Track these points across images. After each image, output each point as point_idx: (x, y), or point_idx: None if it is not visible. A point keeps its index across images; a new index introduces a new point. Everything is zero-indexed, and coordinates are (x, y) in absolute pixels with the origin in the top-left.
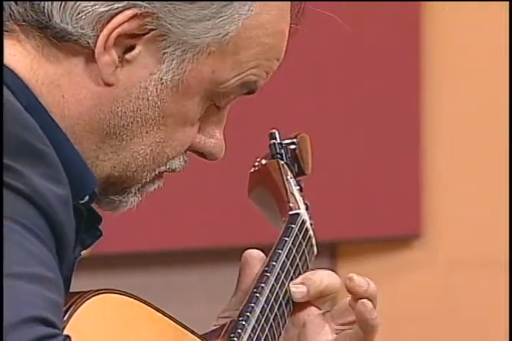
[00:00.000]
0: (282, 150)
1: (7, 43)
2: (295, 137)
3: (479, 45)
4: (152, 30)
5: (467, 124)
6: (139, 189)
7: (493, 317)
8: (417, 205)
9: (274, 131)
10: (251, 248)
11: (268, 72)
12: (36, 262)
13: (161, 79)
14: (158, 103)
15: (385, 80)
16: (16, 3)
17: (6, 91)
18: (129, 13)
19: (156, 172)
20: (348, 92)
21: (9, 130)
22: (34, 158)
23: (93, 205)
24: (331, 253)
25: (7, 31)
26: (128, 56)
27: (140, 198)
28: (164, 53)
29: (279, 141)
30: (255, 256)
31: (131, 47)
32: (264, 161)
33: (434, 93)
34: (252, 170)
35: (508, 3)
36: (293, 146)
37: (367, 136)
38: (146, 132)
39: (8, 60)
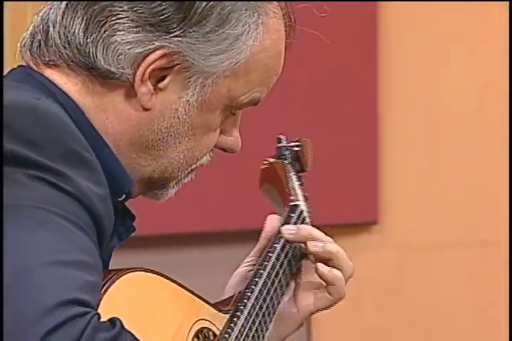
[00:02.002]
0: (286, 152)
1: (58, 74)
2: (298, 141)
3: (433, 42)
4: (178, 64)
5: (421, 118)
6: (175, 183)
7: (439, 293)
8: (374, 195)
9: (281, 136)
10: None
11: (269, 87)
12: (80, 250)
13: (188, 101)
14: (187, 119)
15: (344, 74)
16: (65, 47)
17: (59, 109)
18: (159, 52)
19: (189, 170)
20: (309, 86)
21: (61, 140)
22: (79, 164)
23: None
24: None
25: (57, 66)
26: (160, 85)
27: (177, 189)
28: (189, 81)
29: (284, 144)
30: (276, 219)
31: (163, 78)
32: (272, 160)
33: (389, 87)
34: (262, 167)
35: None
36: (296, 148)
37: (326, 129)
38: (179, 142)
39: (60, 86)
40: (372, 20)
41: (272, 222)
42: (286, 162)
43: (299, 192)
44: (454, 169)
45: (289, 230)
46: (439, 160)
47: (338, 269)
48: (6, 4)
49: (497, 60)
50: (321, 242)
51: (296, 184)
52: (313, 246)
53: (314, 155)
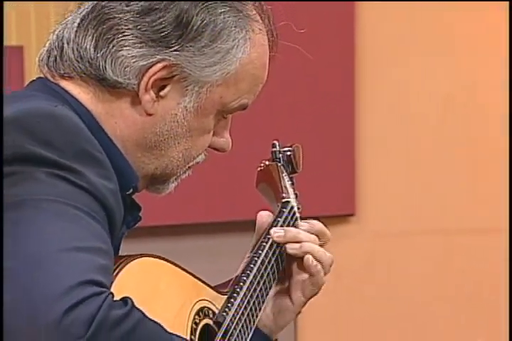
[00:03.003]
0: (280, 156)
1: (72, 85)
2: (290, 146)
3: (407, 41)
4: (177, 74)
5: (394, 116)
6: (175, 179)
7: (411, 274)
8: (351, 189)
9: (275, 142)
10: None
11: (255, 93)
12: (94, 238)
13: (186, 107)
14: (185, 123)
15: (321, 73)
16: (78, 61)
17: (74, 115)
18: (160, 65)
19: (186, 167)
20: (289, 84)
21: (76, 142)
22: (92, 162)
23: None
24: None
25: (71, 77)
26: (162, 93)
27: (176, 184)
28: (186, 89)
29: (278, 149)
30: (267, 216)
31: (163, 87)
32: (267, 162)
33: (366, 85)
34: (259, 169)
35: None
36: (288, 153)
37: (306, 128)
38: (178, 143)
39: (74, 95)
40: (350, 21)
41: (263, 217)
42: (279, 164)
43: (290, 190)
44: (424, 166)
45: (276, 233)
46: (411, 158)
47: (318, 262)
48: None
49: (466, 64)
50: (298, 244)
51: (288, 183)
52: (290, 249)
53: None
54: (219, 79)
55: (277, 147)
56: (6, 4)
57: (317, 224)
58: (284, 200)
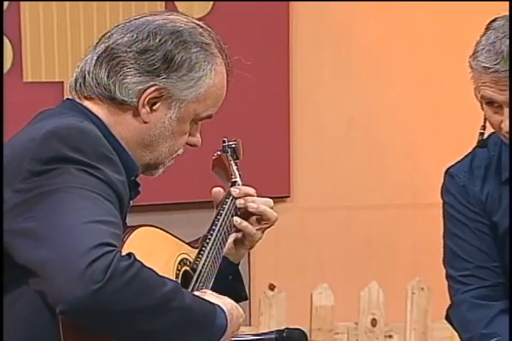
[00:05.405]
0: (228, 148)
1: (92, 104)
2: (235, 140)
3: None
4: (164, 95)
5: (325, 110)
6: (163, 166)
7: (326, 238)
8: (286, 176)
9: (224, 138)
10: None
11: (217, 106)
12: (109, 214)
13: (171, 117)
14: (170, 128)
15: (257, 67)
16: (96, 87)
17: (94, 127)
18: (153, 88)
19: (171, 158)
20: (230, 85)
21: (96, 147)
22: (107, 162)
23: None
24: None
25: (92, 98)
26: (154, 108)
27: (163, 169)
28: (171, 105)
29: (226, 143)
30: (219, 191)
31: (155, 103)
32: (219, 153)
33: (300, 82)
34: (213, 157)
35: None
36: (233, 145)
37: (247, 124)
38: (165, 142)
39: (93, 111)
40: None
41: (217, 192)
42: (228, 154)
43: (236, 173)
44: (339, 159)
45: (235, 190)
46: (340, 144)
47: (268, 219)
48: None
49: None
50: (255, 204)
51: (234, 168)
52: (251, 208)
53: (242, 140)
54: (193, 97)
55: (226, 142)
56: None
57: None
58: (232, 180)
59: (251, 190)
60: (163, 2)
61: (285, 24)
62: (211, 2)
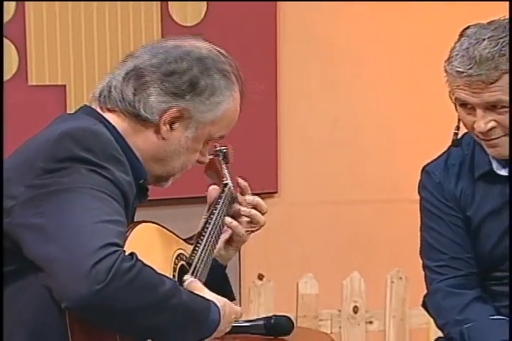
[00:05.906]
0: (220, 153)
1: (113, 116)
2: (225, 146)
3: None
4: (184, 115)
5: (310, 109)
6: (173, 178)
7: (312, 232)
8: (274, 173)
9: (216, 144)
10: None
11: (229, 128)
12: (115, 213)
13: (187, 136)
14: (185, 146)
15: (245, 67)
16: (121, 102)
17: (105, 131)
18: (175, 109)
19: (182, 172)
20: None
21: (106, 149)
22: (116, 163)
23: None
24: None
25: (115, 111)
26: (173, 126)
27: (172, 182)
28: (189, 126)
29: (218, 149)
30: (214, 189)
31: (175, 122)
32: (211, 157)
33: (288, 82)
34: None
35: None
36: (224, 150)
37: (237, 130)
38: (179, 158)
39: (113, 122)
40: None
41: (213, 190)
42: (220, 158)
43: (227, 175)
44: (324, 156)
45: (244, 210)
46: (326, 142)
47: (257, 222)
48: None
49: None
50: (248, 209)
51: (225, 171)
52: (243, 211)
53: (232, 146)
54: (210, 120)
55: (217, 147)
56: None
57: (256, 198)
58: (224, 182)
59: (258, 202)
60: (159, 2)
61: (273, 26)
62: (205, 3)
